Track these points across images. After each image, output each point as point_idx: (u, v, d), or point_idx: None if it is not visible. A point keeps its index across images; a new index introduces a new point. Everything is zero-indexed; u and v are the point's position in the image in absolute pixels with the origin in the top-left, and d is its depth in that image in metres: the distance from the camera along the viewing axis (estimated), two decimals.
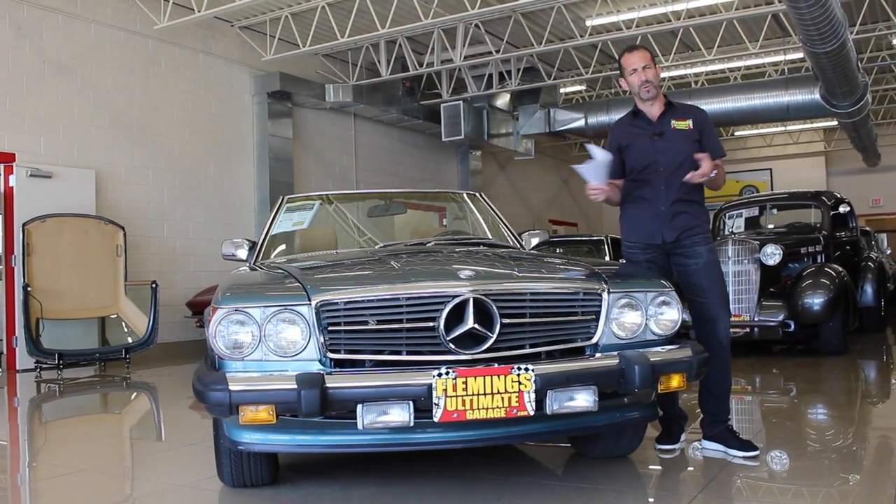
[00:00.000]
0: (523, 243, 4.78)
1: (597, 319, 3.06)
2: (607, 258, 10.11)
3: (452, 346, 2.85)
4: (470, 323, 2.85)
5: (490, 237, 4.93)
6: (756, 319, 7.63)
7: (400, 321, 2.88)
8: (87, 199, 9.41)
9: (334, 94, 12.73)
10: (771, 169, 21.52)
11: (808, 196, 9.71)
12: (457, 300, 2.86)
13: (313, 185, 12.98)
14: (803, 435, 4.80)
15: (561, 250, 10.93)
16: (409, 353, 2.89)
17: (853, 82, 11.10)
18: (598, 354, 3.00)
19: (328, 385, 2.70)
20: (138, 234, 9.94)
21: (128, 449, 5.15)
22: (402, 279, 3.00)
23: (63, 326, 8.63)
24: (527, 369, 2.76)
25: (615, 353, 2.98)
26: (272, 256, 4.51)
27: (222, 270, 10.97)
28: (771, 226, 9.54)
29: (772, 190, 21.56)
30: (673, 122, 3.86)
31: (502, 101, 14.90)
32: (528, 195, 19.77)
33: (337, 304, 2.89)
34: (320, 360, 2.87)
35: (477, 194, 5.25)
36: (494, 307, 2.88)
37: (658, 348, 3.10)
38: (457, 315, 2.86)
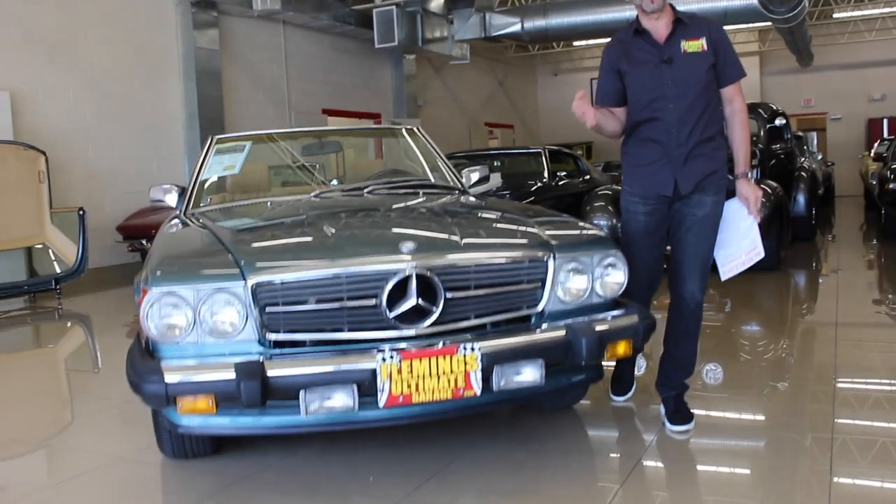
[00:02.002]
0: (462, 180, 4.67)
1: (542, 286, 2.99)
2: (545, 172, 10.00)
3: (396, 323, 2.77)
4: (413, 299, 2.76)
5: (430, 177, 4.80)
6: None
7: (340, 299, 2.78)
8: (3, 123, 8.89)
9: (262, 2, 12.14)
10: None
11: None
12: (399, 276, 2.76)
13: (242, 96, 12.55)
14: (737, 347, 5.12)
15: (499, 163, 10.82)
16: (351, 330, 2.80)
17: None
18: (543, 325, 2.95)
19: (269, 374, 2.60)
20: (62, 158, 9.49)
21: (65, 391, 5.07)
22: (341, 253, 2.87)
23: None
24: (472, 349, 2.70)
25: (561, 323, 2.93)
26: (203, 205, 4.31)
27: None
28: None
29: None
30: (683, 43, 3.25)
31: (436, 4, 14.42)
32: (464, 98, 19.48)
33: (274, 283, 2.76)
34: (259, 341, 2.77)
35: (415, 128, 5.07)
36: (438, 281, 2.79)
37: (604, 315, 3.05)
38: (399, 290, 2.77)
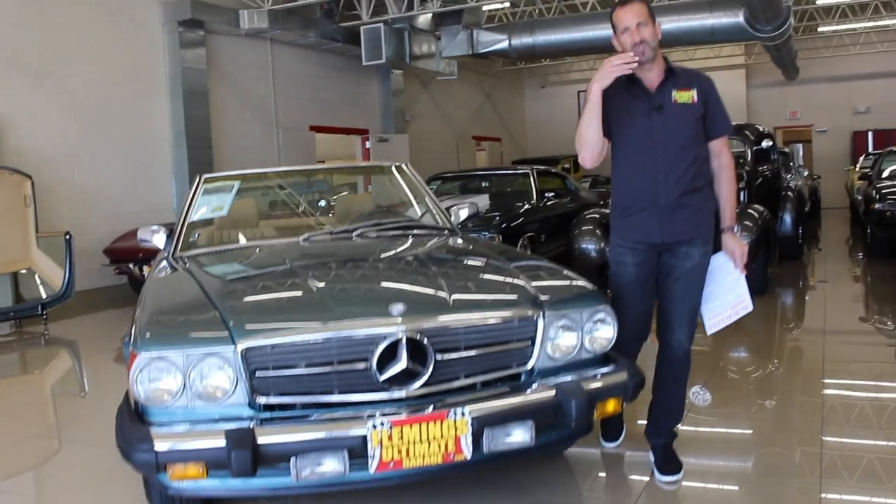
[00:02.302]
0: (451, 219, 4.69)
1: (532, 344, 2.99)
2: (533, 193, 10.02)
3: (386, 386, 2.77)
4: (404, 363, 2.76)
5: (417, 214, 4.82)
6: None
7: (331, 363, 2.77)
8: None
9: (249, 21, 12.14)
10: None
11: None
12: (390, 340, 2.76)
13: (230, 115, 12.53)
14: (725, 370, 5.28)
15: (486, 184, 10.84)
16: (341, 392, 2.79)
17: (777, 7, 11.07)
18: (533, 385, 2.95)
19: (259, 441, 2.59)
20: (48, 180, 9.45)
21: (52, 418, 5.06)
22: (331, 315, 2.87)
23: None
24: (463, 413, 2.70)
25: (551, 383, 2.93)
26: (191, 249, 4.30)
27: (139, 212, 10.69)
28: None
29: None
30: (674, 92, 3.25)
31: (424, 20, 14.46)
32: (452, 112, 19.51)
33: (264, 348, 2.76)
34: (249, 404, 2.76)
35: (403, 165, 5.08)
36: (429, 344, 2.79)
37: (593, 372, 3.05)
38: (390, 353, 2.77)
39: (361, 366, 2.77)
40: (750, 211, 7.98)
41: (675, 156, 3.27)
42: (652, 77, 3.29)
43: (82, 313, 9.22)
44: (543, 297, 3.08)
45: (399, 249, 3.94)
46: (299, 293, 3.18)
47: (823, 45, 19.29)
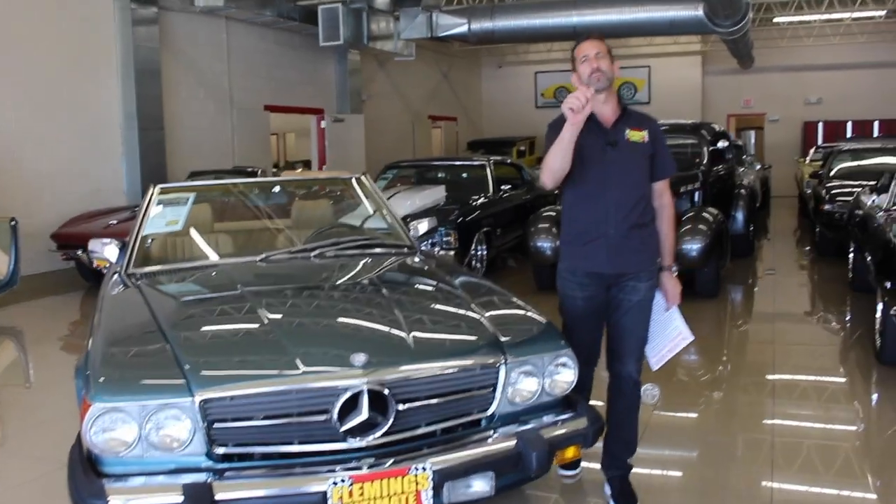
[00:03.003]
0: (411, 233, 4.66)
1: (493, 391, 2.98)
2: (490, 185, 10.00)
3: (346, 436, 2.75)
4: (365, 414, 2.73)
5: (377, 230, 4.79)
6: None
7: (290, 415, 2.74)
8: None
9: None
10: (650, 66, 21.69)
11: (688, 129, 9.82)
12: (351, 392, 2.73)
13: (183, 94, 12.28)
14: (675, 371, 5.52)
15: (443, 174, 10.77)
16: (301, 443, 2.76)
17: (736, 4, 11.13)
18: (493, 433, 2.94)
19: (217, 497, 2.55)
20: None
21: None
22: (291, 364, 2.82)
23: None
24: (424, 468, 2.68)
25: (513, 432, 2.93)
26: (145, 264, 4.21)
27: (88, 193, 10.41)
28: None
29: (649, 88, 21.86)
30: (628, 131, 3.39)
31: (382, 1, 14.26)
32: (408, 92, 19.35)
33: (222, 399, 2.71)
34: (206, 454, 2.71)
35: (361, 177, 5.02)
36: (390, 395, 2.76)
37: (554, 418, 3.06)
38: (350, 404, 2.74)
39: (322, 417, 2.73)
40: (704, 215, 8.06)
41: (626, 191, 3.39)
42: (607, 113, 3.41)
43: (29, 299, 8.99)
44: (506, 342, 3.07)
45: (358, 275, 3.90)
46: (256, 332, 3.13)
47: (779, 35, 19.46)
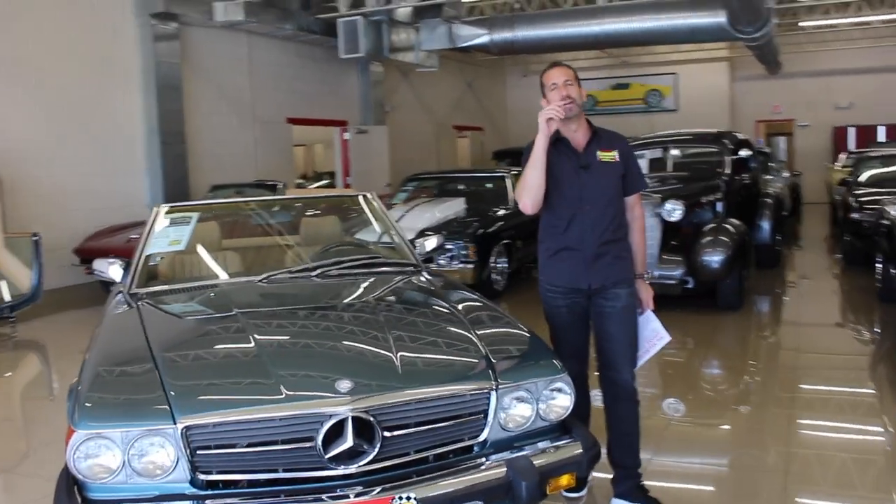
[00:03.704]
0: (417, 251, 4.60)
1: (485, 417, 2.91)
2: (510, 196, 9.92)
3: (331, 464, 2.69)
4: (350, 442, 2.67)
5: (383, 247, 4.73)
6: (656, 275, 7.65)
7: (275, 442, 2.69)
8: None
9: (224, 13, 11.93)
10: (676, 73, 21.50)
11: (709, 138, 9.68)
12: (335, 419, 2.67)
13: (205, 108, 12.35)
14: (696, 385, 5.63)
15: (463, 186, 10.71)
16: (286, 470, 2.71)
17: (757, 10, 10.98)
18: (485, 460, 2.86)
19: None
20: (16, 177, 9.26)
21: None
22: (275, 391, 2.76)
23: None
24: (409, 497, 2.62)
25: (503, 459, 2.85)
26: (149, 284, 4.20)
27: (111, 208, 10.53)
28: (671, 170, 9.48)
29: (676, 95, 21.67)
30: (599, 152, 3.57)
31: (403, 12, 14.24)
32: (432, 102, 19.33)
33: (205, 426, 2.66)
34: (191, 482, 2.67)
35: (368, 195, 4.98)
36: (375, 423, 2.70)
37: (547, 444, 2.97)
38: (336, 430, 2.68)
39: (306, 445, 2.68)
40: (726, 226, 7.92)
41: (599, 210, 3.57)
42: (578, 137, 3.60)
43: (52, 313, 9.08)
44: (499, 368, 2.99)
45: (357, 296, 3.84)
46: (244, 356, 3.09)
47: (806, 40, 19.18)
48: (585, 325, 3.70)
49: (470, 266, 8.50)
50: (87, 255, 9.45)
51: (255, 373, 2.93)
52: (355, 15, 13.00)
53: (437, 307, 3.69)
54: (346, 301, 3.77)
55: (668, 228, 7.84)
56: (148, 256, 4.38)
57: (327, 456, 2.68)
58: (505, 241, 9.15)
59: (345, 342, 3.20)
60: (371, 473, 2.73)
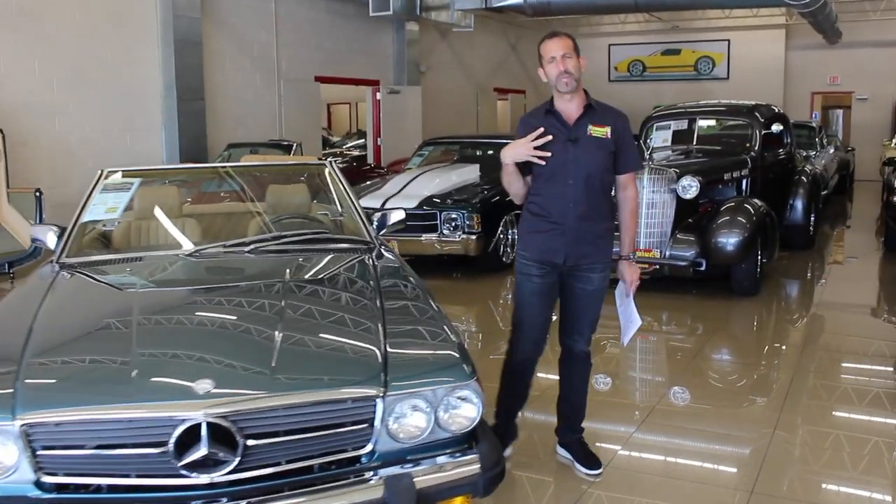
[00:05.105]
0: (372, 225, 4.27)
1: (370, 426, 2.59)
2: None
3: (187, 472, 2.41)
4: (204, 449, 2.38)
5: (335, 217, 4.43)
6: (667, 255, 7.22)
7: (123, 445, 2.41)
8: None
9: None
10: (729, 40, 20.59)
11: (741, 111, 9.10)
12: (187, 424, 2.38)
13: (227, 64, 12.11)
14: (703, 373, 5.50)
15: (479, 152, 10.31)
16: (138, 476, 2.43)
17: None
18: (374, 475, 2.54)
19: None
20: (25, 131, 9.15)
21: None
22: (126, 391, 2.48)
23: None
24: None
25: (382, 479, 2.54)
26: (79, 254, 3.94)
27: (126, 164, 10.49)
28: (696, 143, 8.94)
29: (728, 63, 20.81)
30: (590, 126, 3.50)
31: None
32: (472, 63, 18.82)
33: (46, 425, 2.40)
34: (35, 483, 2.41)
35: (327, 162, 4.68)
36: (235, 430, 2.41)
37: (446, 460, 2.65)
38: (191, 436, 2.40)
39: (157, 450, 2.40)
40: (745, 206, 7.42)
41: (584, 185, 3.51)
42: (571, 109, 3.52)
43: None
44: (393, 373, 2.65)
45: (273, 278, 3.55)
46: (113, 348, 2.82)
47: (871, 8, 18.10)
48: (551, 303, 3.71)
49: (473, 237, 8.13)
50: None
51: (116, 368, 2.65)
52: None
53: (356, 296, 3.35)
54: (257, 282, 3.48)
55: (687, 205, 7.36)
56: (83, 224, 4.14)
57: (181, 463, 2.40)
58: (517, 212, 8.76)
59: (226, 336, 2.91)
60: (240, 483, 2.45)
